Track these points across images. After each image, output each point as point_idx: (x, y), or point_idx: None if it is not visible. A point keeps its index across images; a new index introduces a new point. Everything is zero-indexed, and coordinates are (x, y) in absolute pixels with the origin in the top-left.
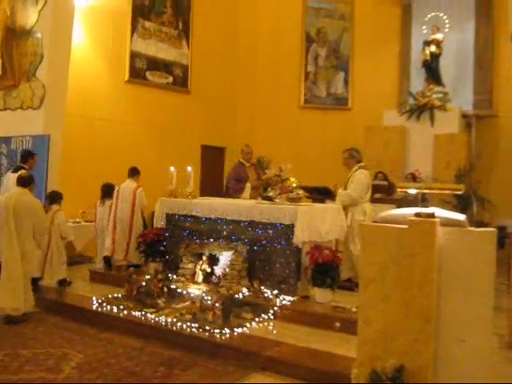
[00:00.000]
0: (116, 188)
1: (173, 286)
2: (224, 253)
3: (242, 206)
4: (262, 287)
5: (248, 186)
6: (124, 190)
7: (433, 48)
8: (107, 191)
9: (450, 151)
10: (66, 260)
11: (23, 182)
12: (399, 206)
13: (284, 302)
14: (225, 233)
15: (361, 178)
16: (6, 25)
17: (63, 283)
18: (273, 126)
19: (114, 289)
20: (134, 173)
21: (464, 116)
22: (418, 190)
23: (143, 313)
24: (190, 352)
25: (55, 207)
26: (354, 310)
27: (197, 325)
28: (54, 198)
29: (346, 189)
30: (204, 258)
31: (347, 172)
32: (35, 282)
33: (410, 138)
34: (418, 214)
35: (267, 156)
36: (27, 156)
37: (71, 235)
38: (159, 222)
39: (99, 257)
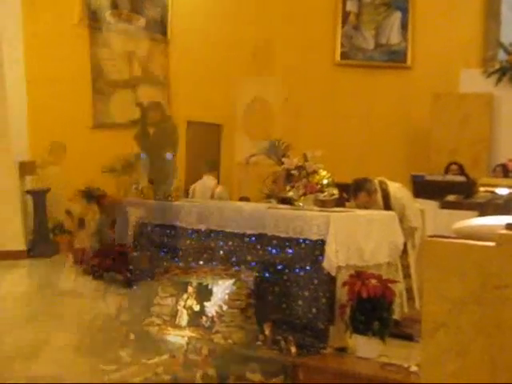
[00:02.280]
0: (191, 187)
1: (143, 332)
2: (220, 282)
3: (247, 213)
4: (277, 335)
5: None
6: (200, 190)
7: None
8: None
9: None
10: None
11: None
12: (483, 214)
13: (309, 357)
14: (222, 252)
15: (407, 197)
16: None
17: None
18: (294, 92)
19: None
20: (211, 166)
21: None
22: None
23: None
24: None
25: None
26: (413, 369)
27: None
28: None
29: None
30: (190, 289)
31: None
32: None
33: (499, 111)
34: (511, 226)
35: (285, 138)
36: None
37: None
38: (124, 236)
39: None
